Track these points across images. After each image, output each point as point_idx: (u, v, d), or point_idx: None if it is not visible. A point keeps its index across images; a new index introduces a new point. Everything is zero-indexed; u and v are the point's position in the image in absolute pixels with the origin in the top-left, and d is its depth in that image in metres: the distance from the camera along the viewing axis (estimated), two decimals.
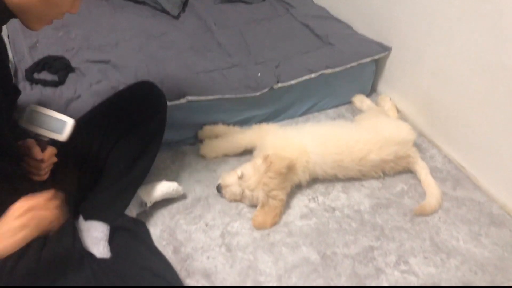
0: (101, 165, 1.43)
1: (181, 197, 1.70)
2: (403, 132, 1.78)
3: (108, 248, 1.37)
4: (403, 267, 1.47)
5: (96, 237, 1.37)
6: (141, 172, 1.52)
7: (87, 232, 1.37)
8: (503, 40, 1.50)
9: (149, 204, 1.59)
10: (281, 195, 1.60)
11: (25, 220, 0.95)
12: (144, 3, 2.57)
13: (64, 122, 1.15)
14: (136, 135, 1.47)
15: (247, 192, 1.60)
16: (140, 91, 1.51)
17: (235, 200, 1.67)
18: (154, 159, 1.57)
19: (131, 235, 1.42)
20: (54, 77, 1.84)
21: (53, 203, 0.99)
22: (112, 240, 1.39)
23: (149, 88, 1.53)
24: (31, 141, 1.15)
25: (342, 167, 1.71)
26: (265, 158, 1.58)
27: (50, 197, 1.00)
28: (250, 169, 1.60)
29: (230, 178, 1.63)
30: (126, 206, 1.49)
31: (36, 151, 1.14)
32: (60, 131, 1.15)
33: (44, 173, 1.18)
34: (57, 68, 1.86)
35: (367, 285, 1.41)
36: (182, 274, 1.42)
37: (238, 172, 1.61)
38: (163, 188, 1.63)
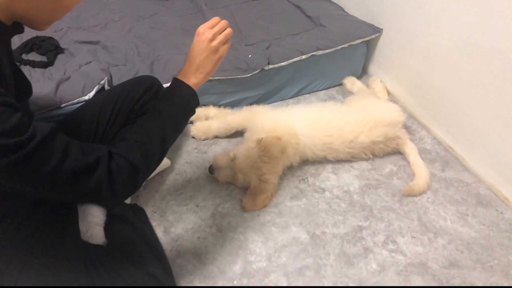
0: None
1: (172, 178, 1.71)
2: (393, 113, 1.79)
3: (104, 234, 1.37)
4: (391, 246, 1.50)
5: (91, 222, 1.36)
6: None
7: (83, 217, 1.36)
8: (493, 22, 1.50)
9: (143, 183, 1.60)
10: (273, 179, 1.61)
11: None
12: None
13: None
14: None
15: (239, 175, 1.60)
16: (143, 83, 1.50)
17: (227, 182, 1.68)
18: None
19: (129, 226, 1.40)
20: (43, 58, 1.82)
21: None
22: (108, 228, 1.38)
23: (151, 81, 1.53)
24: None
25: (332, 149, 1.71)
26: (259, 142, 1.58)
27: None
28: (243, 152, 1.60)
29: (222, 159, 1.63)
30: None
31: None
32: None
33: None
34: (45, 48, 1.85)
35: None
36: (172, 254, 1.44)
37: (231, 154, 1.61)
38: None
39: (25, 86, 1.14)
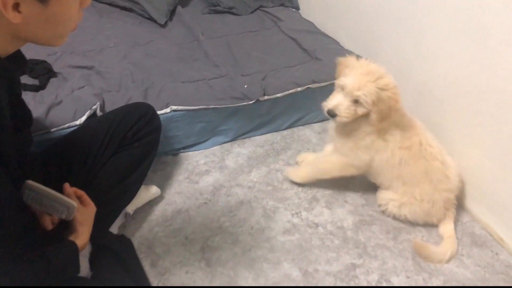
0: (91, 180, 1.38)
1: (161, 208, 1.66)
2: None
3: (89, 265, 1.31)
4: (385, 285, 1.45)
5: None
6: (130, 190, 1.47)
7: None
8: (490, 61, 1.50)
9: (131, 213, 1.56)
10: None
11: None
12: (131, 10, 2.55)
13: (67, 207, 1.12)
14: (129, 153, 1.43)
15: (357, 93, 1.43)
16: (136, 110, 1.48)
17: (351, 117, 1.49)
18: (143, 180, 1.53)
19: (115, 258, 1.34)
20: (35, 82, 1.80)
21: None
22: (94, 260, 1.32)
23: (146, 108, 1.51)
24: (39, 211, 1.14)
25: None
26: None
27: None
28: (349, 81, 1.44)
29: (333, 98, 1.49)
30: (111, 223, 1.44)
31: (47, 224, 1.14)
32: (63, 213, 1.12)
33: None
34: (38, 72, 1.82)
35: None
36: None
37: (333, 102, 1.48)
38: (142, 193, 1.60)
39: (26, 116, 1.14)
